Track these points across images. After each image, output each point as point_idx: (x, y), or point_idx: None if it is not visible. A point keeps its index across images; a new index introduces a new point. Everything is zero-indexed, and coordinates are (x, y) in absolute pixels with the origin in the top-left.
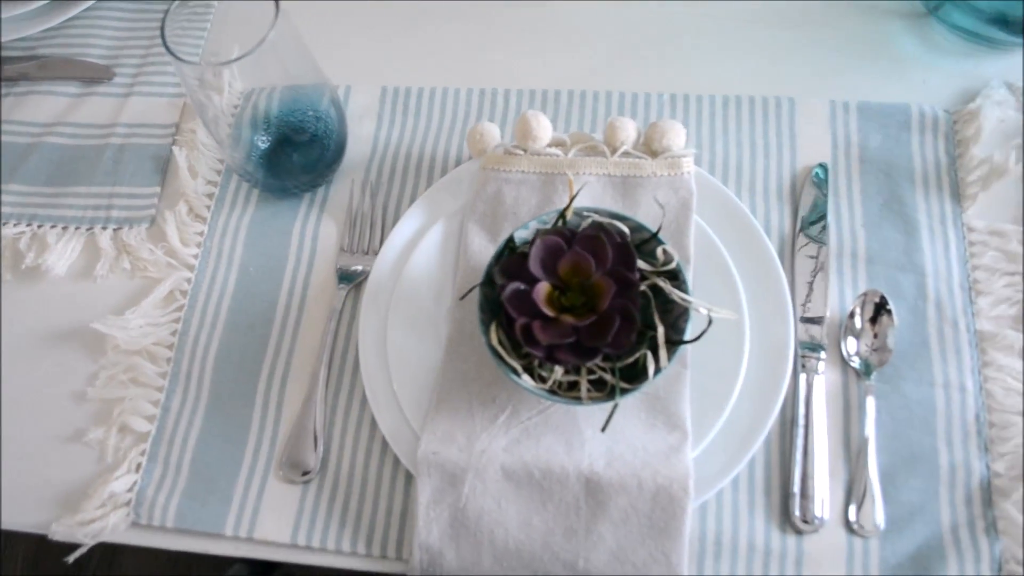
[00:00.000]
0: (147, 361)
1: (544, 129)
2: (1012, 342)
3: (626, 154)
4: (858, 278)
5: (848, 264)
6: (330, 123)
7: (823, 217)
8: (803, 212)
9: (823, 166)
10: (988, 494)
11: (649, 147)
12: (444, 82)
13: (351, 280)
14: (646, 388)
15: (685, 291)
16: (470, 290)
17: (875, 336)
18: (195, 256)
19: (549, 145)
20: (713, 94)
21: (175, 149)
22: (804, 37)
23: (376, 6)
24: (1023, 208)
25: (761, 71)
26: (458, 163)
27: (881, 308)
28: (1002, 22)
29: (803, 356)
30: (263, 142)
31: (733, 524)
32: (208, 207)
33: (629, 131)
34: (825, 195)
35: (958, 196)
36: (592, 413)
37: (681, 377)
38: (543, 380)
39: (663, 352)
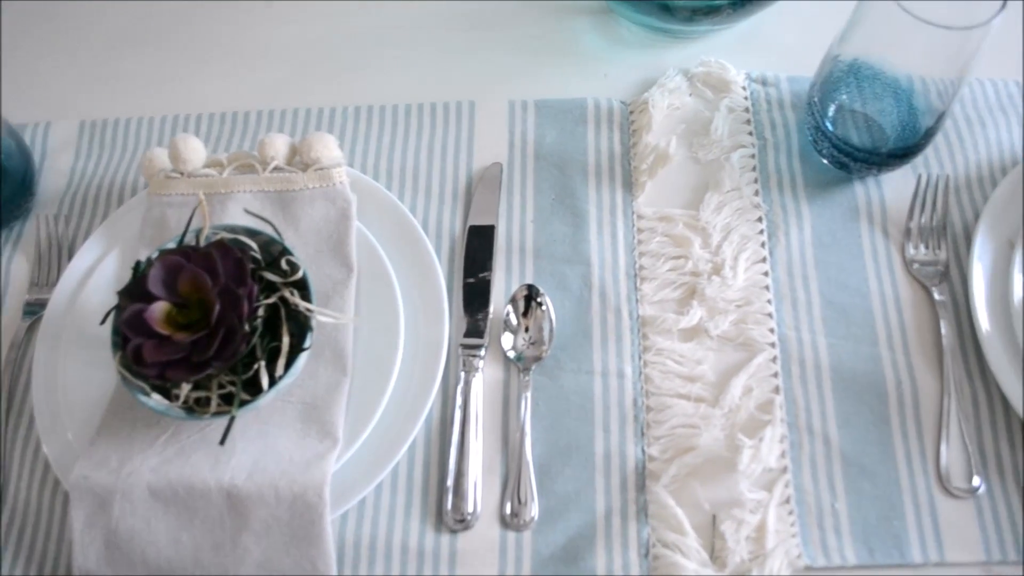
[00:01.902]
0: None
1: (194, 152)
2: (671, 325)
3: (277, 169)
4: (525, 273)
5: (516, 260)
6: (11, 161)
7: None
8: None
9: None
10: (642, 479)
11: (302, 160)
12: (142, 112)
13: (35, 313)
14: (267, 399)
15: (310, 300)
16: (108, 314)
17: (527, 330)
18: None
19: (206, 166)
20: (396, 103)
21: None
22: (491, 39)
23: (73, 40)
24: (689, 192)
25: (448, 76)
26: None
27: (531, 301)
28: (667, 11)
29: (465, 355)
30: None
31: (388, 526)
32: None
33: (279, 146)
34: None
35: (630, 185)
36: (248, 426)
37: (340, 386)
38: (178, 398)
39: (281, 362)
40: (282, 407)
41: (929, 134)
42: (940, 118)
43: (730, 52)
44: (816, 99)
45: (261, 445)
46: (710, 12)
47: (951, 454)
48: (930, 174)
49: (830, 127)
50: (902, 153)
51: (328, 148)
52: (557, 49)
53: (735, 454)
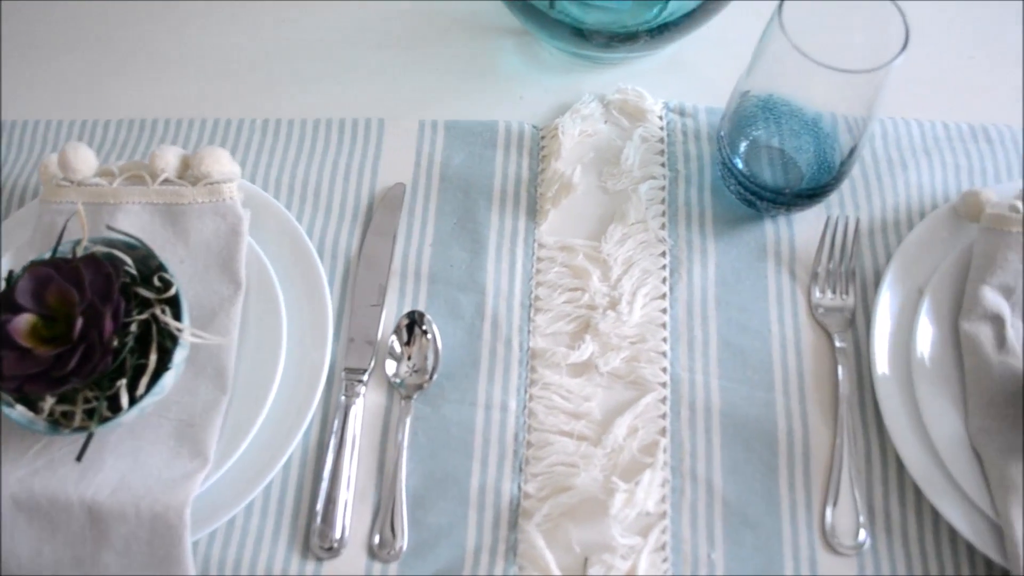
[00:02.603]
0: None
1: (83, 160)
2: (561, 359)
3: (167, 182)
4: (419, 298)
5: (411, 284)
6: None
7: None
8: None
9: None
10: (515, 516)
11: (193, 174)
12: (50, 115)
13: None
14: (129, 417)
15: (181, 318)
16: None
17: (409, 358)
18: None
19: (98, 175)
20: (305, 118)
21: None
22: (409, 58)
23: None
24: (595, 222)
25: (362, 93)
26: None
27: (415, 328)
28: (582, 36)
29: (348, 379)
30: None
31: (255, 549)
32: None
33: (169, 159)
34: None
35: (534, 212)
36: (121, 442)
37: (217, 404)
38: (43, 411)
39: (144, 380)
40: (158, 423)
41: (840, 175)
42: (849, 158)
43: (655, 79)
44: (724, 134)
45: (131, 461)
46: (627, 39)
47: (838, 508)
48: (839, 216)
49: (739, 164)
50: (809, 193)
51: (219, 162)
52: (475, 70)
53: (610, 497)
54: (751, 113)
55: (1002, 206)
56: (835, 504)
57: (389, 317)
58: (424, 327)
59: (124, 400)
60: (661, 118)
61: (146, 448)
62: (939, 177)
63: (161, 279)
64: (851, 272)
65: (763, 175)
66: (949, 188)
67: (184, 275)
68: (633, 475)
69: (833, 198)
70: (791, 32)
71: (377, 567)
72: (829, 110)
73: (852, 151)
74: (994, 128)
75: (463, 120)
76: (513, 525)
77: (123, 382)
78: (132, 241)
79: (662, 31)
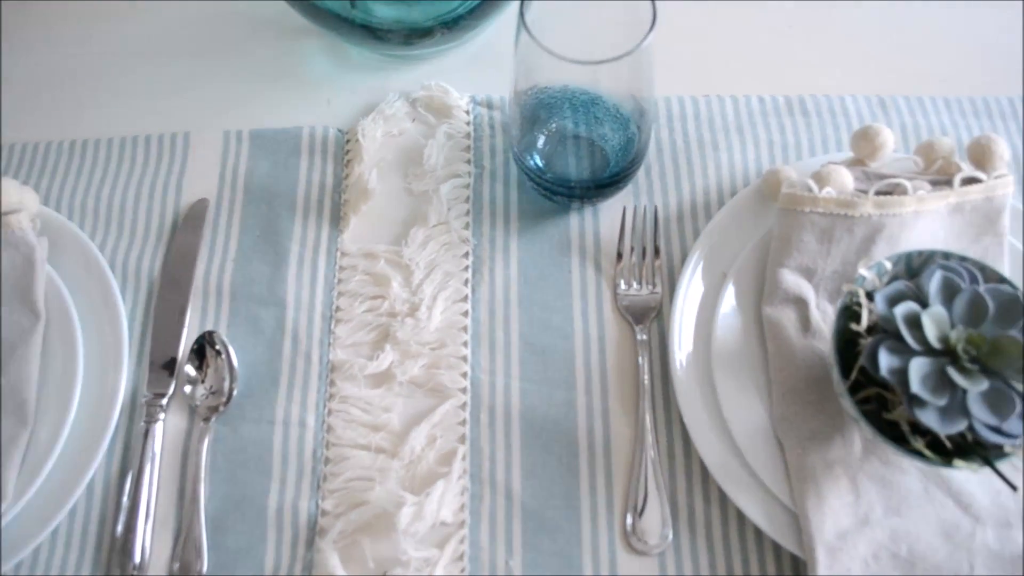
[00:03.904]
0: None
1: None
2: (359, 371)
3: None
4: (220, 316)
5: (212, 303)
6: None
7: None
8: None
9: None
10: (313, 534)
11: None
12: None
13: None
14: None
15: None
16: None
17: (203, 380)
18: None
19: None
20: (112, 136)
21: None
22: (212, 66)
23: None
24: (399, 226)
25: (165, 107)
26: None
27: (207, 348)
28: (377, 37)
29: (148, 404)
30: None
31: None
32: None
33: None
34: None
35: (338, 220)
36: None
37: (17, 438)
38: None
39: None
40: None
41: (633, 163)
42: (638, 144)
43: (467, 72)
44: (512, 128)
45: None
46: (423, 34)
47: (639, 507)
48: (637, 204)
49: (535, 158)
50: (600, 184)
51: (5, 194)
52: (281, 74)
53: (399, 510)
54: (550, 104)
55: (799, 185)
56: (636, 503)
57: (191, 338)
58: (217, 347)
59: None
60: (468, 113)
61: None
62: (751, 155)
63: None
64: (655, 260)
65: (567, 167)
66: (762, 166)
67: None
68: (429, 486)
69: (643, 186)
70: (535, 25)
71: None
72: (609, 96)
73: (638, 136)
74: (811, 99)
75: (268, 128)
76: (310, 543)
77: None
78: None
79: (458, 22)
